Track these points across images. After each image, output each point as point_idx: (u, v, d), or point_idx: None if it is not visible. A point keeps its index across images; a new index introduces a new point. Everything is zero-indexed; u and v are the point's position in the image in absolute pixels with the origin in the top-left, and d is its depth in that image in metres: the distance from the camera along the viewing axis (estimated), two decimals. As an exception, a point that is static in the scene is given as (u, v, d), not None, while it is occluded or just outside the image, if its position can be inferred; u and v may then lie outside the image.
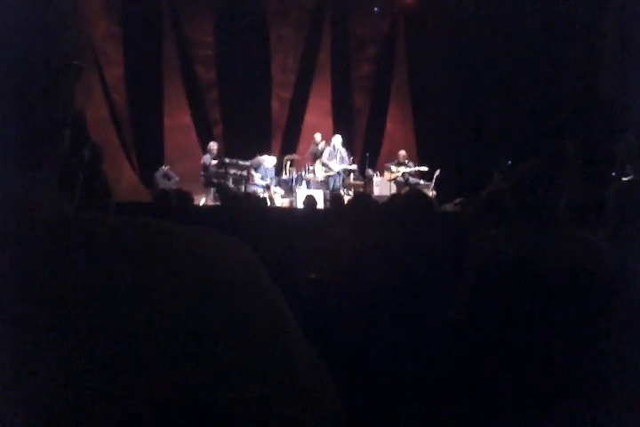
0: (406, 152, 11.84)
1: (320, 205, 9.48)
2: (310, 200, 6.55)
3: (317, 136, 11.75)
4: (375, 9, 13.35)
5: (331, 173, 11.10)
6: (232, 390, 0.44)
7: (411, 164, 11.60)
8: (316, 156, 11.56)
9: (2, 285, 0.42)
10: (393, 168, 11.49)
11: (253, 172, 10.48)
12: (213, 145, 10.49)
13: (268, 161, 10.86)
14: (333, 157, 11.10)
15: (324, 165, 11.12)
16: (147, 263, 0.45)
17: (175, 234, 0.49)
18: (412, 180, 11.42)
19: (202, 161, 10.33)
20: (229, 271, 0.48)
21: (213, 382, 0.43)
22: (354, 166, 11.43)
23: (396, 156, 11.77)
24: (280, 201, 10.76)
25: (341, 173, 11.25)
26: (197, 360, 0.43)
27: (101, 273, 0.43)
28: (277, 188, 10.96)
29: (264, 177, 10.66)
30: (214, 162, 10.23)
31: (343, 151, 11.23)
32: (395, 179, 11.43)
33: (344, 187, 11.24)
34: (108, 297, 0.42)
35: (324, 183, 11.15)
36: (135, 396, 0.41)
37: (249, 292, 0.48)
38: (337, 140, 11.25)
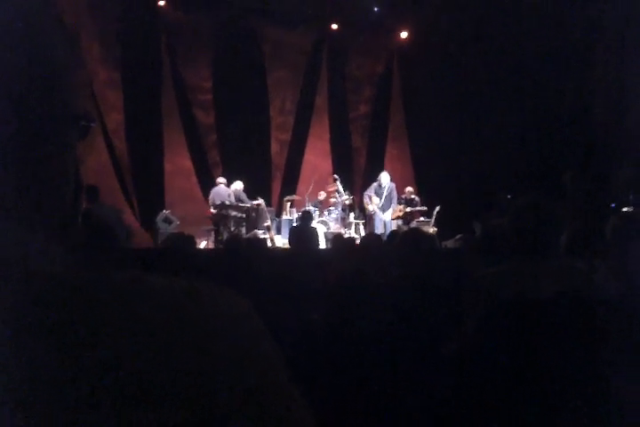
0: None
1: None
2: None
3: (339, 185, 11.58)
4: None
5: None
6: None
7: (416, 199, 11.53)
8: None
9: None
10: (401, 206, 11.36)
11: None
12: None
13: (236, 185, 10.92)
14: (379, 194, 11.09)
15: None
16: (142, 324, 0.45)
17: (173, 292, 0.49)
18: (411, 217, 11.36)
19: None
20: (224, 330, 0.48)
21: None
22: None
23: (403, 193, 11.60)
24: (281, 242, 10.75)
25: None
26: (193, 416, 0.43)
27: (97, 335, 0.43)
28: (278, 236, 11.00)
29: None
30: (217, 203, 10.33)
31: (389, 188, 11.18)
32: (399, 217, 11.32)
33: (344, 226, 11.19)
34: (105, 359, 0.42)
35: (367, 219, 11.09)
36: None
37: (246, 353, 0.48)
38: (385, 177, 11.21)
